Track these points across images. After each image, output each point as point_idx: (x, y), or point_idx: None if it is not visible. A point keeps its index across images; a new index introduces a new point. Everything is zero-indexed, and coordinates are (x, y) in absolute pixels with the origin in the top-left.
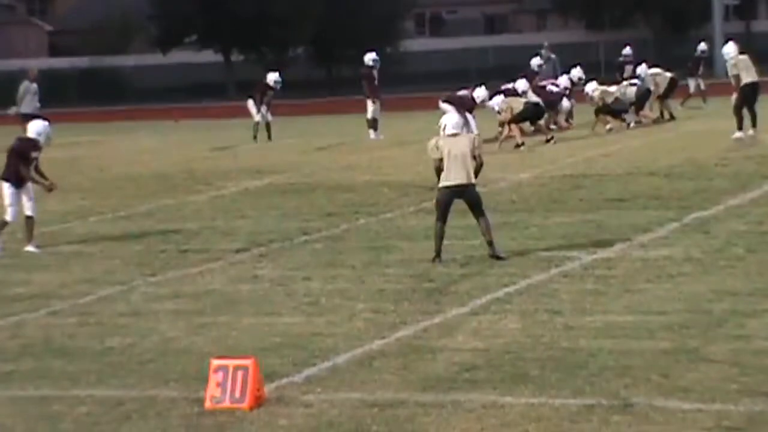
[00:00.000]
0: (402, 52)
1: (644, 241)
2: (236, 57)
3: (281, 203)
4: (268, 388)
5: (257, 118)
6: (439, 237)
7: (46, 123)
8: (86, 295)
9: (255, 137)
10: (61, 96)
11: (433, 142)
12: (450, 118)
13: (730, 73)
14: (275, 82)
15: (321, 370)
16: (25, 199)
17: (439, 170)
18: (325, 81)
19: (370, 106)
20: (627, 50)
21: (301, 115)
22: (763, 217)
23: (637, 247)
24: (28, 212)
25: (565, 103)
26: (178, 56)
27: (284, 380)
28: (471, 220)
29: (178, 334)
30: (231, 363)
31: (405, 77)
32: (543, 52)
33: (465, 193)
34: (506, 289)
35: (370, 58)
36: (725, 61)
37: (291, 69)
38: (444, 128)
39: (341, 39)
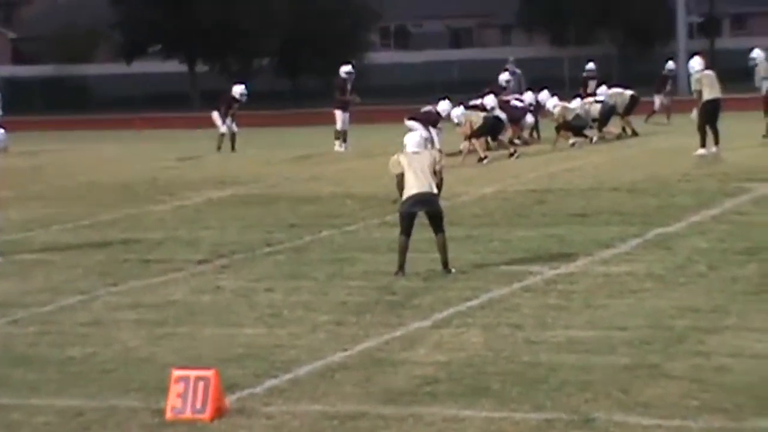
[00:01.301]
0: (367, 64)
1: (606, 256)
2: (201, 67)
3: (244, 214)
4: (229, 400)
5: (222, 129)
6: (403, 251)
7: (2, 131)
8: (47, 303)
9: (219, 148)
10: (25, 104)
11: (395, 157)
12: (412, 137)
13: (693, 88)
14: (241, 94)
15: (282, 381)
16: None
17: (400, 185)
18: (290, 92)
19: (340, 117)
20: (590, 66)
21: (266, 126)
22: (725, 235)
23: (600, 263)
24: None
25: (529, 118)
26: (143, 66)
27: (246, 391)
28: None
29: (140, 343)
30: (192, 374)
31: (370, 90)
32: (509, 67)
33: (428, 203)
34: (468, 303)
35: (344, 70)
36: (689, 75)
37: (256, 80)
38: (406, 147)
39: (307, 50)
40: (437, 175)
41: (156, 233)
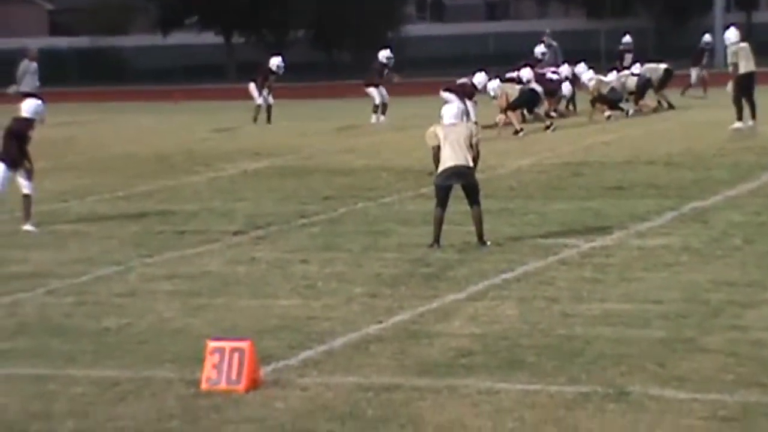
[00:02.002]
0: (403, 37)
1: (642, 229)
2: (236, 39)
3: (279, 186)
4: (264, 371)
5: (259, 101)
6: (438, 223)
7: (40, 102)
8: (83, 274)
9: (255, 119)
10: (61, 75)
11: (431, 129)
12: (449, 109)
13: (729, 60)
14: (278, 66)
15: (317, 353)
16: (21, 178)
17: (436, 158)
18: (325, 64)
19: (374, 93)
20: (627, 39)
21: (301, 99)
22: (761, 208)
23: (635, 236)
24: (25, 191)
25: (566, 89)
26: (179, 38)
27: (280, 363)
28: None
29: (175, 314)
30: (227, 345)
31: (405, 62)
32: (545, 39)
33: (463, 176)
34: (504, 276)
35: (385, 55)
36: (725, 47)
37: (291, 52)
38: (443, 118)
39: (342, 23)
40: (473, 148)
41: (191, 204)
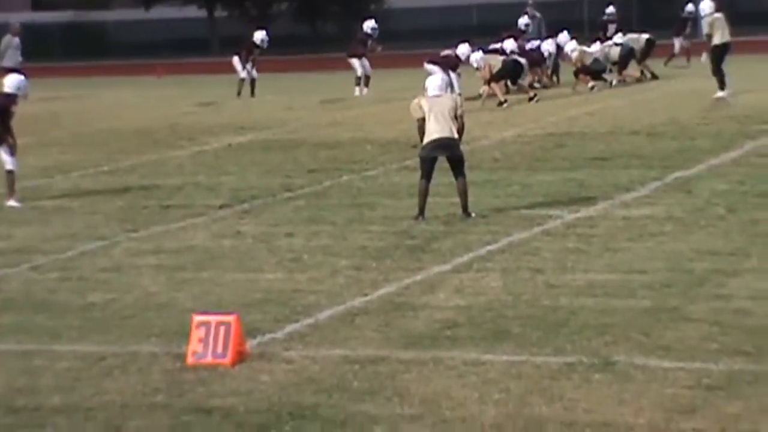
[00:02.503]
0: (386, 9)
1: (626, 199)
2: (219, 13)
3: (264, 160)
4: (250, 344)
5: (243, 74)
6: (423, 195)
7: (22, 77)
8: (68, 250)
9: (239, 93)
10: (44, 50)
11: (416, 101)
12: (433, 80)
13: (704, 31)
14: (261, 40)
15: (303, 326)
16: (4, 153)
17: (421, 129)
18: (309, 37)
19: (356, 64)
20: (610, 9)
21: (285, 72)
22: (745, 177)
23: (619, 206)
24: (9, 166)
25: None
26: (162, 11)
27: (266, 336)
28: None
29: (160, 289)
30: (213, 319)
31: (389, 34)
32: (528, 10)
33: (448, 148)
34: (488, 247)
35: (370, 26)
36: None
37: (275, 25)
38: (427, 90)
39: None
40: (458, 119)
41: (176, 179)
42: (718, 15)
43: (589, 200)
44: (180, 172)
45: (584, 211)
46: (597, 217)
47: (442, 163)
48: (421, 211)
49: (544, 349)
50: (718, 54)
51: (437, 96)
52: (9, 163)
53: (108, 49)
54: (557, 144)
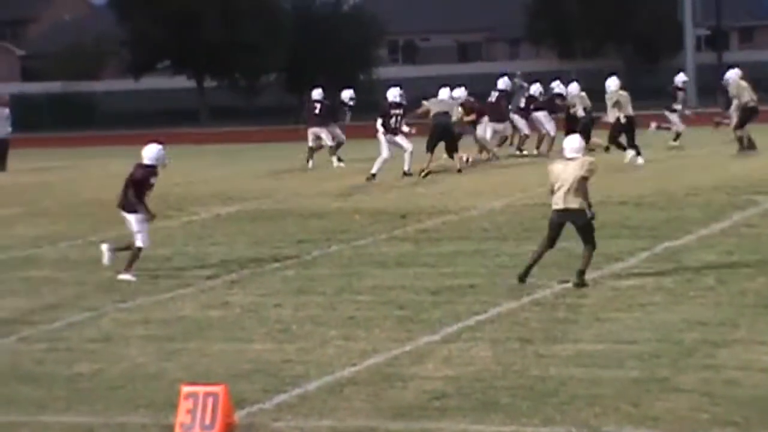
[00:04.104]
0: (375, 79)
1: (615, 270)
2: (209, 83)
3: (252, 230)
4: (238, 415)
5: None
6: (535, 258)
7: (160, 147)
8: (55, 320)
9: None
10: (34, 121)
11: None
12: (571, 140)
13: (609, 106)
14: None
15: (291, 397)
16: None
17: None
18: (299, 107)
19: (327, 134)
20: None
21: (274, 142)
22: (733, 247)
23: (608, 276)
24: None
25: (550, 127)
26: (151, 82)
27: (255, 407)
28: (444, 247)
29: (149, 359)
30: (201, 389)
31: (378, 104)
32: (516, 80)
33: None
34: (477, 317)
35: (347, 95)
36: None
37: (263, 95)
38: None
39: (314, 66)
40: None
41: (165, 249)
42: (623, 92)
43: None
44: (169, 242)
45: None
46: (586, 287)
47: (433, 233)
48: (529, 269)
49: (534, 419)
50: (623, 128)
51: (569, 160)
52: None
53: (97, 120)
54: (546, 214)
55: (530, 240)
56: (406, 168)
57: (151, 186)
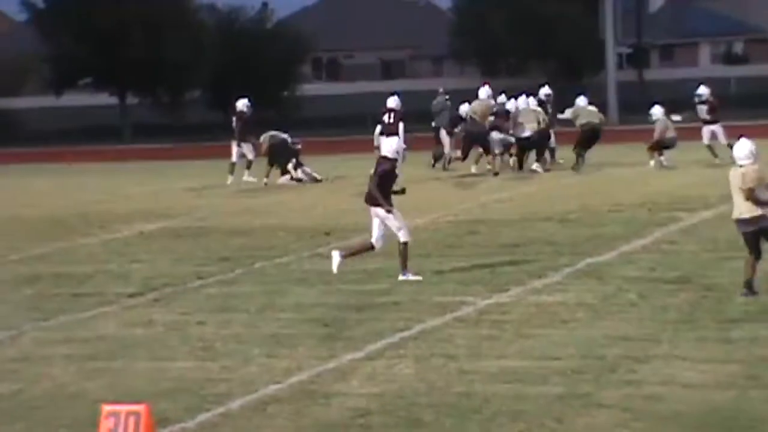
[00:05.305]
0: (299, 96)
1: (539, 286)
2: (131, 100)
3: (175, 247)
4: None
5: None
6: (749, 268)
7: (400, 140)
8: None
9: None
10: None
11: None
12: (739, 147)
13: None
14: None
15: (215, 415)
16: (394, 225)
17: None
18: (221, 124)
19: (249, 148)
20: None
21: (198, 159)
22: (655, 264)
23: (532, 293)
24: (403, 238)
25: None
26: (73, 99)
27: (177, 426)
28: (367, 264)
29: (70, 379)
30: (123, 409)
31: (302, 121)
32: (438, 98)
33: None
34: (401, 334)
35: (243, 103)
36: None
37: (188, 112)
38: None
39: (238, 83)
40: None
41: (86, 267)
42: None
43: (501, 287)
44: (91, 260)
45: (497, 298)
46: (509, 303)
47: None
48: (749, 286)
49: None
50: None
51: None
52: (402, 235)
53: (18, 137)
54: (469, 231)
55: (453, 257)
56: None
57: (394, 178)
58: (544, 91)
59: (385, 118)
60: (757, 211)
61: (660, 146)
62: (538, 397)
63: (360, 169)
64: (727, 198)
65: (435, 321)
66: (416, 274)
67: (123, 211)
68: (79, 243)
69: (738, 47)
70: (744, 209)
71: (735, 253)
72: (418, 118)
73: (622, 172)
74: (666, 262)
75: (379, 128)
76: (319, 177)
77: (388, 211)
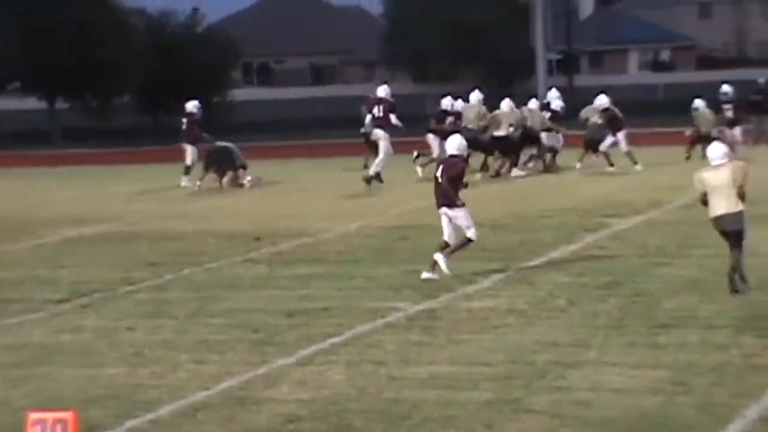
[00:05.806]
0: (229, 101)
1: (469, 292)
2: (60, 104)
3: (104, 253)
4: None
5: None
6: (731, 268)
7: (461, 137)
8: None
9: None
10: None
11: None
12: (714, 148)
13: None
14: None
15: (144, 422)
16: (465, 223)
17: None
18: (151, 129)
19: (193, 152)
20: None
21: (127, 164)
22: (585, 270)
23: (462, 298)
24: (469, 234)
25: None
26: (1, 103)
27: None
28: (299, 270)
29: None
30: (49, 416)
31: (233, 126)
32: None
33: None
34: (332, 340)
35: (196, 105)
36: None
37: (117, 117)
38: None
39: (168, 87)
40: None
41: (14, 272)
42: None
43: (432, 293)
44: (18, 266)
45: (427, 304)
46: (440, 309)
47: (324, 254)
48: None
49: None
50: None
51: (718, 166)
52: (471, 233)
53: None
54: (401, 236)
55: (385, 263)
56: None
57: (463, 175)
58: (553, 95)
59: (375, 110)
60: (740, 207)
61: (707, 139)
62: (468, 402)
63: (293, 174)
64: (656, 204)
65: (365, 327)
66: (448, 269)
67: (52, 216)
68: (6, 248)
69: (665, 55)
70: (729, 206)
71: (664, 258)
72: (347, 123)
73: (552, 178)
74: (596, 268)
75: (369, 118)
76: (243, 182)
77: (462, 205)
